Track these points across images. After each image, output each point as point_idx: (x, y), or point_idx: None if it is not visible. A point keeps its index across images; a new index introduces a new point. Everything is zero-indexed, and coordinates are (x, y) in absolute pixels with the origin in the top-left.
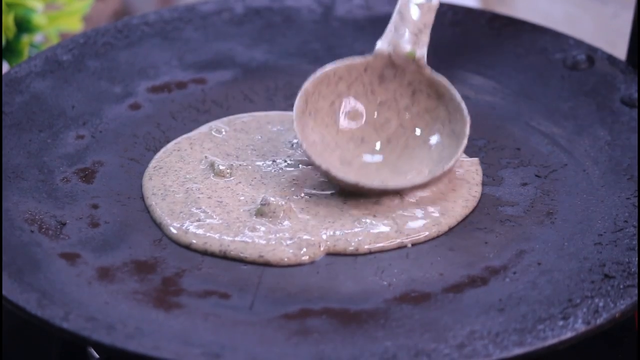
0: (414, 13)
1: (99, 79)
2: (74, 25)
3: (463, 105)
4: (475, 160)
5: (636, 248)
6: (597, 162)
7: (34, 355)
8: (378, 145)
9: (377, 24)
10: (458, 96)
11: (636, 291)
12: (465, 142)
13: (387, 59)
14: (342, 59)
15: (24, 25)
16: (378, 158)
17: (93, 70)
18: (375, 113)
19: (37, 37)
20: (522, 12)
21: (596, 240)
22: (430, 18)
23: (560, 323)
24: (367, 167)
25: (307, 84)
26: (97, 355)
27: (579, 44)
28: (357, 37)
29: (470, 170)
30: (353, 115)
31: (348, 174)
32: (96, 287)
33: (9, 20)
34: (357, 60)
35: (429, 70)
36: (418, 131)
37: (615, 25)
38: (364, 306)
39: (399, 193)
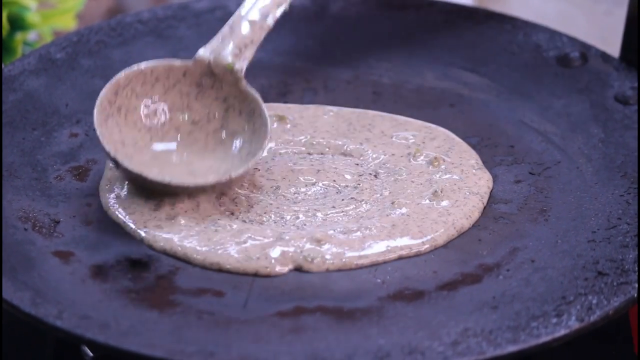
0: (245, 28)
1: (92, 77)
2: (68, 23)
3: (268, 122)
4: (489, 176)
5: (630, 245)
6: (590, 160)
7: (27, 354)
8: (179, 145)
9: (371, 21)
10: (266, 113)
11: (629, 288)
12: (259, 155)
13: (206, 67)
14: (161, 59)
15: (17, 23)
16: (176, 155)
17: (87, 68)
18: (187, 129)
19: (31, 35)
20: (516, 9)
21: (590, 237)
22: (260, 36)
23: (554, 320)
24: (161, 161)
25: (120, 75)
26: (90, 354)
27: (573, 41)
28: (351, 35)
29: (480, 183)
30: (163, 123)
31: (139, 166)
32: (90, 285)
33: (2, 18)
34: (176, 63)
35: (245, 84)
36: (226, 140)
37: (608, 23)
38: (357, 304)
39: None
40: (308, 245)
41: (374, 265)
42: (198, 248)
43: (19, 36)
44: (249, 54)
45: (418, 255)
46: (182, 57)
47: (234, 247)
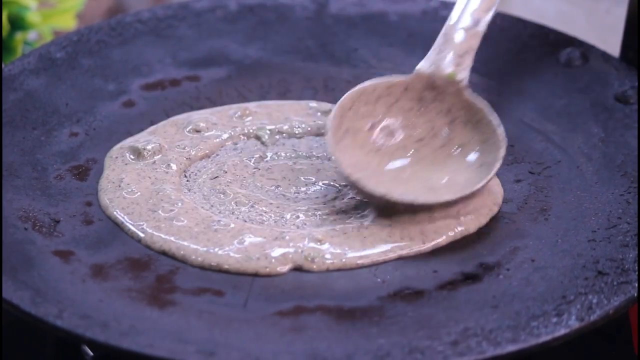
0: (459, 36)
1: (92, 77)
2: (68, 22)
3: (500, 129)
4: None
5: (630, 244)
6: (590, 159)
7: (27, 353)
8: (410, 162)
9: (371, 21)
10: (495, 120)
11: (630, 288)
12: (498, 165)
13: (427, 80)
14: (381, 77)
15: (17, 23)
16: (410, 173)
17: (87, 67)
18: (414, 146)
19: (31, 35)
20: (516, 9)
21: (590, 236)
22: (475, 43)
23: (554, 320)
24: (398, 180)
25: (344, 98)
26: (91, 353)
27: (573, 41)
28: (351, 34)
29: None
30: (389, 139)
31: (378, 186)
32: (90, 284)
33: (2, 17)
34: (396, 79)
35: (469, 94)
36: (457, 152)
37: (608, 22)
38: (358, 303)
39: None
40: (309, 245)
41: (374, 264)
42: (197, 249)
43: (19, 36)
44: (468, 62)
45: (418, 255)
46: (182, 56)
47: (233, 247)
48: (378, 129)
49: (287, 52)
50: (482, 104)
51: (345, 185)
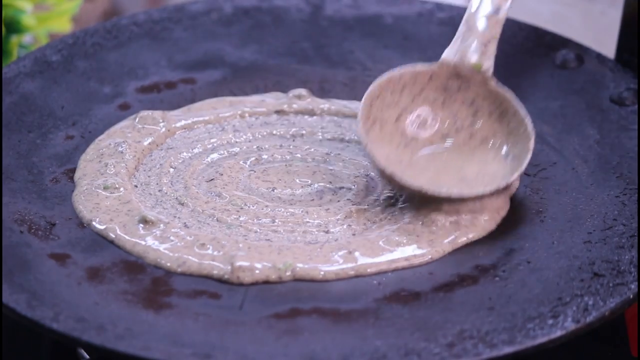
0: (481, 24)
1: (88, 80)
2: (63, 25)
3: (527, 120)
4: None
5: (625, 246)
6: (586, 161)
7: (24, 356)
8: (442, 155)
9: (366, 23)
10: (522, 111)
11: (625, 289)
12: (529, 156)
13: (453, 69)
14: (407, 65)
15: (13, 26)
16: (440, 165)
17: (82, 70)
18: (439, 136)
19: (26, 38)
20: (511, 10)
21: (585, 238)
22: (497, 31)
23: (550, 322)
24: (430, 173)
25: (373, 87)
26: (87, 356)
27: (568, 42)
28: (346, 36)
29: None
30: (417, 131)
31: (413, 179)
32: (86, 287)
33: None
34: (422, 67)
35: (494, 83)
36: (484, 144)
37: (603, 24)
38: (354, 305)
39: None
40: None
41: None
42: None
43: (14, 39)
44: (492, 51)
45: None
46: (178, 59)
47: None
48: (405, 119)
49: (283, 54)
50: (508, 94)
51: (342, 187)
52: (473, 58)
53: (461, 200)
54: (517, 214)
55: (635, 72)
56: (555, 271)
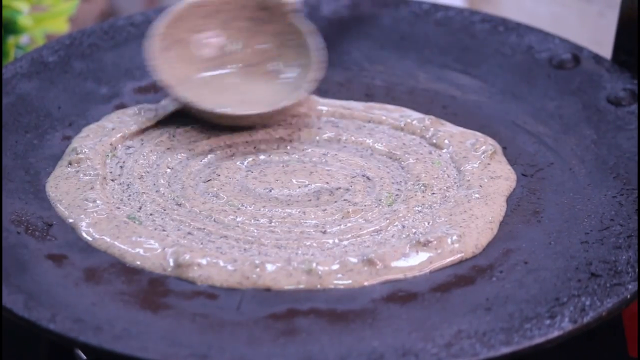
0: None
1: (85, 80)
2: (60, 26)
3: (316, 56)
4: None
5: (622, 246)
6: (583, 161)
7: (21, 357)
8: (231, 77)
9: (363, 23)
10: (313, 45)
11: (622, 290)
12: (307, 87)
13: (261, 1)
14: None
15: (9, 27)
16: (228, 87)
17: (79, 71)
18: (241, 63)
19: (23, 39)
20: (508, 11)
21: (583, 238)
22: None
23: (547, 322)
24: (214, 93)
25: (180, 6)
26: (84, 357)
27: (565, 43)
28: (343, 37)
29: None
30: (219, 57)
31: (194, 98)
32: (83, 288)
33: (2, 20)
34: None
35: (296, 17)
36: (274, 71)
37: (600, 24)
38: (351, 306)
39: None
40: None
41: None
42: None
43: (11, 40)
44: None
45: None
46: None
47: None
48: (209, 43)
49: None
50: (307, 28)
51: (339, 188)
52: None
53: (238, 118)
54: (514, 215)
55: (632, 72)
56: (553, 271)
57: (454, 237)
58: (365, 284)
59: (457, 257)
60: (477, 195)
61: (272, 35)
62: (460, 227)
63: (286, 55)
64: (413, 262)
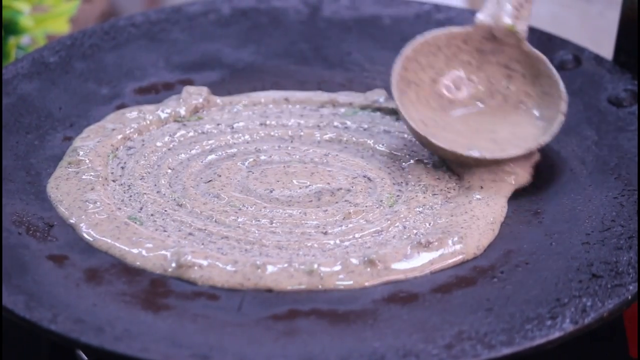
0: None
1: (85, 81)
2: (61, 27)
3: (560, 82)
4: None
5: (624, 247)
6: (584, 162)
7: (22, 358)
8: (475, 117)
9: (364, 24)
10: (555, 73)
11: (623, 290)
12: (561, 119)
13: (487, 31)
14: (441, 28)
15: (10, 27)
16: (474, 127)
17: (80, 71)
18: (474, 99)
19: (24, 39)
20: None
21: (584, 239)
22: None
23: (548, 323)
24: (463, 135)
25: (407, 49)
26: (85, 357)
27: (566, 43)
28: (344, 37)
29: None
30: (452, 93)
31: (446, 143)
32: (84, 289)
33: (2, 20)
34: (456, 30)
35: (528, 45)
36: (516, 106)
37: (601, 25)
38: (352, 307)
39: None
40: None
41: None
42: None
43: (12, 40)
44: (526, 14)
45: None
46: (175, 60)
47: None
48: (440, 82)
49: (281, 55)
50: (542, 56)
51: (340, 189)
52: (507, 20)
53: (495, 162)
54: (515, 215)
55: (632, 73)
56: (554, 272)
57: (455, 239)
58: (367, 284)
59: (459, 258)
60: (478, 196)
61: (499, 66)
62: (462, 228)
63: (521, 86)
64: (414, 264)
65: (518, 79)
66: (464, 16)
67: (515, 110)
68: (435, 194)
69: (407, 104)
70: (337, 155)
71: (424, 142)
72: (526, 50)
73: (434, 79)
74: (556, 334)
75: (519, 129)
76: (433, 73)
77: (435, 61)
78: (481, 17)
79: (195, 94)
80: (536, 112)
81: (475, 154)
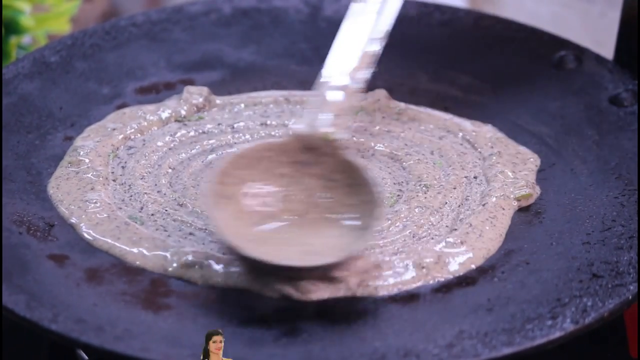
0: (335, 95)
1: (86, 80)
2: (62, 26)
3: (375, 189)
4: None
5: (624, 247)
6: (585, 162)
7: (23, 357)
8: (290, 228)
9: None
10: (371, 181)
11: (624, 290)
12: (377, 223)
13: (305, 142)
14: (258, 141)
15: (11, 27)
16: (289, 239)
17: (81, 71)
18: (294, 211)
19: (25, 39)
20: (510, 11)
21: (584, 239)
22: (351, 101)
23: (549, 323)
24: (277, 245)
25: (223, 164)
26: (86, 357)
27: (567, 43)
28: None
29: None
30: (268, 206)
31: (259, 253)
32: (85, 288)
33: (2, 20)
34: (273, 141)
35: (345, 154)
36: (333, 217)
37: (602, 25)
38: (352, 306)
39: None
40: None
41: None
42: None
43: (13, 40)
44: (345, 122)
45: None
46: (176, 60)
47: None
48: (256, 196)
49: (281, 55)
50: (359, 163)
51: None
52: (323, 129)
53: (308, 269)
54: (516, 215)
55: (633, 73)
56: (554, 272)
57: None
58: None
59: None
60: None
61: (319, 177)
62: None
63: (342, 197)
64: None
65: (338, 190)
66: (465, 15)
67: (332, 222)
68: (435, 194)
69: (222, 217)
70: None
71: (235, 253)
72: (344, 159)
73: (250, 193)
74: (557, 334)
75: (334, 240)
76: (247, 188)
77: (252, 175)
78: (296, 127)
79: (196, 94)
80: (355, 222)
81: (287, 262)
